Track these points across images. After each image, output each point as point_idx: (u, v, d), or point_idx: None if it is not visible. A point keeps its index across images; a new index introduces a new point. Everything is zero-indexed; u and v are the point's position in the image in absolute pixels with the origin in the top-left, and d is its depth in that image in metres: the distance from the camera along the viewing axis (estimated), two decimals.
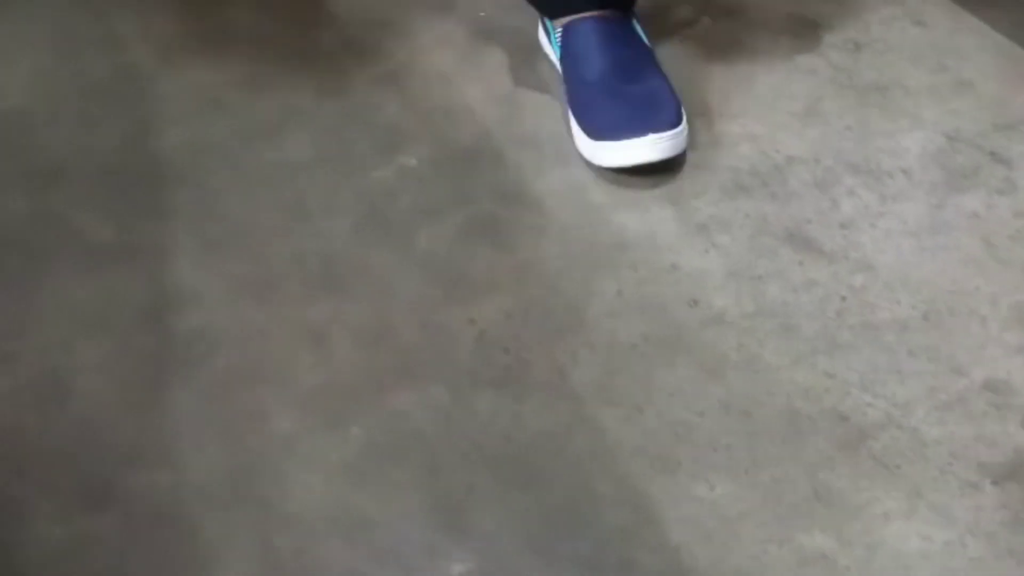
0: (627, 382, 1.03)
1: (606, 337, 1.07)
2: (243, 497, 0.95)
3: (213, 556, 0.92)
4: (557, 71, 1.30)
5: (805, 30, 1.39)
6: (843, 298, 1.10)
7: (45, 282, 1.12)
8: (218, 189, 1.21)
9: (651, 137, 1.18)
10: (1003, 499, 0.94)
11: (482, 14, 1.42)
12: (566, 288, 1.11)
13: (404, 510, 0.94)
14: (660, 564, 0.91)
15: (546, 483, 0.96)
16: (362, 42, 1.38)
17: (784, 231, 1.16)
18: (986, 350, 1.05)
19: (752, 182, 1.21)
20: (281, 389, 1.03)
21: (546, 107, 1.29)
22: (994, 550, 0.91)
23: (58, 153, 1.26)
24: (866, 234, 1.15)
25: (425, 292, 1.11)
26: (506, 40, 1.37)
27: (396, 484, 0.96)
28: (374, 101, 1.31)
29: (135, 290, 1.11)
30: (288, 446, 0.99)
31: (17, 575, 0.91)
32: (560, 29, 1.28)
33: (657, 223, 1.17)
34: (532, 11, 1.32)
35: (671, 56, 1.33)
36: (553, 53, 1.32)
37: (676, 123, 1.20)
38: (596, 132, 1.21)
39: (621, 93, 1.22)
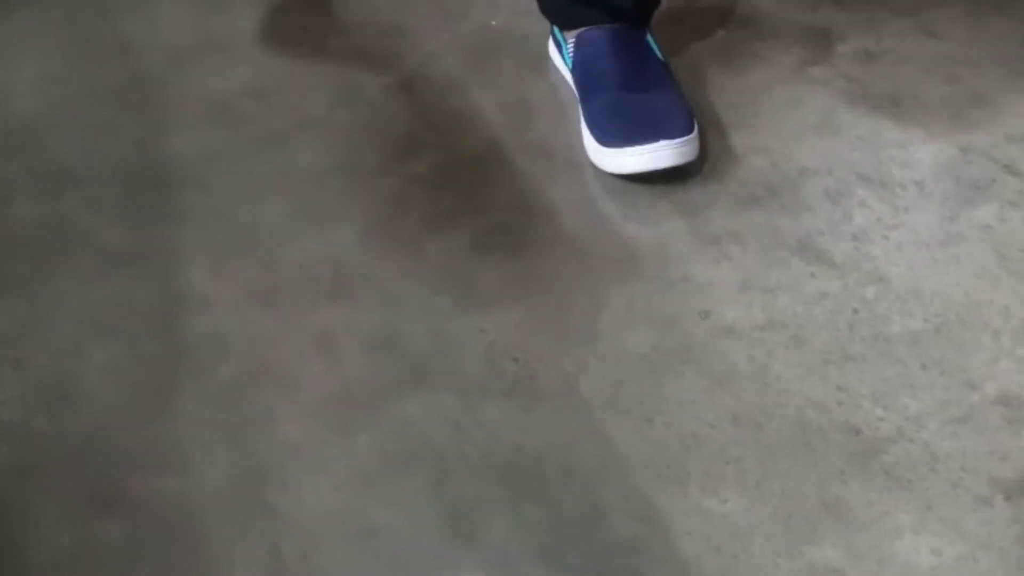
0: (637, 393, 1.03)
1: (616, 348, 1.06)
2: (251, 503, 0.95)
3: (221, 562, 0.91)
4: (567, 81, 1.30)
5: (818, 42, 1.39)
6: (855, 310, 1.09)
7: (55, 286, 1.12)
8: (228, 195, 1.21)
9: (662, 143, 1.18)
10: (1015, 514, 0.94)
11: (493, 23, 1.42)
12: (576, 298, 1.11)
13: (412, 519, 0.94)
14: None
15: (555, 493, 0.96)
16: (373, 49, 1.39)
17: (796, 243, 1.15)
18: (999, 364, 1.04)
19: (764, 194, 1.20)
20: (290, 396, 1.03)
21: (557, 116, 1.29)
22: (1005, 565, 0.90)
23: (68, 158, 1.26)
24: (878, 246, 1.15)
25: (434, 301, 1.10)
26: (517, 49, 1.37)
27: (404, 493, 0.96)
28: (385, 109, 1.31)
29: (145, 295, 1.11)
30: (296, 453, 0.98)
31: None
32: (573, 40, 1.28)
33: (668, 234, 1.16)
34: (544, 20, 1.32)
35: (684, 68, 1.32)
36: (563, 65, 1.32)
37: (688, 130, 1.20)
38: (607, 139, 1.21)
39: (634, 102, 1.22)
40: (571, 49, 1.29)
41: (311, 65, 1.37)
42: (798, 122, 1.28)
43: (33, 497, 0.96)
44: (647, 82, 1.24)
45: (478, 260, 1.14)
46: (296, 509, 0.95)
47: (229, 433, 1.00)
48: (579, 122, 1.25)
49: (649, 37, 1.29)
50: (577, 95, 1.27)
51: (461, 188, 1.22)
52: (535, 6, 1.31)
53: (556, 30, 1.33)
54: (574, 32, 1.29)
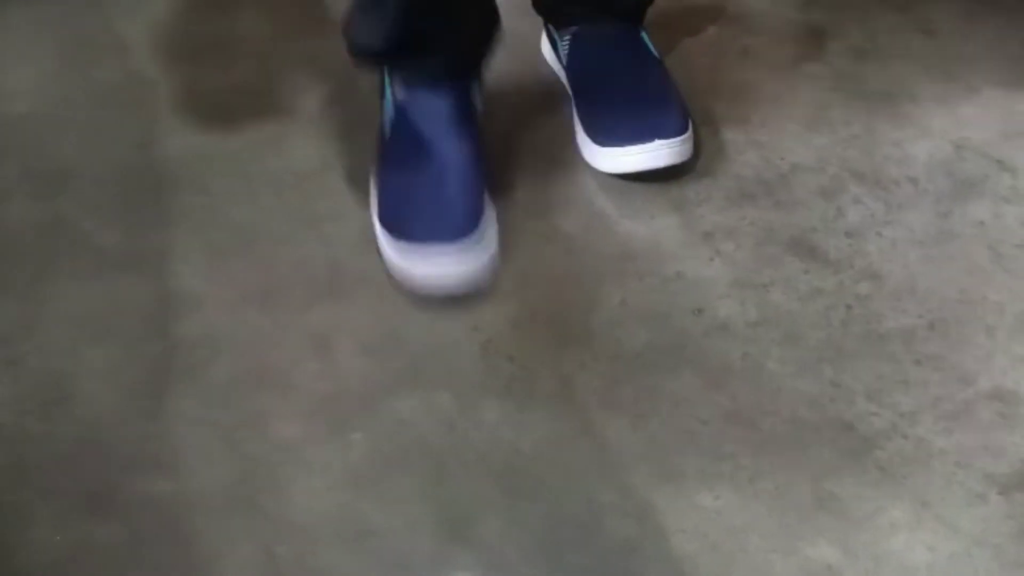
0: (631, 391, 1.03)
1: (611, 346, 1.06)
2: (245, 504, 0.95)
3: (215, 563, 0.91)
4: (561, 79, 1.30)
5: (812, 38, 1.39)
6: (849, 307, 1.09)
7: (50, 287, 1.12)
8: (223, 195, 1.21)
9: (657, 143, 1.18)
10: (1010, 510, 0.94)
11: None
12: (571, 297, 1.11)
13: (408, 519, 0.94)
14: (665, 574, 0.90)
15: (551, 492, 0.96)
16: None
17: (789, 239, 1.15)
18: (993, 359, 1.04)
19: (757, 190, 1.20)
20: (285, 396, 1.03)
21: (551, 113, 1.29)
22: (1000, 561, 0.91)
23: (64, 159, 1.26)
24: (872, 243, 1.15)
25: (430, 300, 1.10)
26: (509, 46, 1.37)
27: (400, 492, 0.96)
28: (379, 107, 1.31)
29: (140, 296, 1.11)
30: (291, 453, 0.99)
31: None
32: (568, 37, 1.28)
33: (662, 231, 1.16)
34: (536, 17, 1.32)
35: (678, 64, 1.32)
36: (557, 62, 1.32)
37: (682, 130, 1.20)
38: (602, 138, 1.21)
39: (628, 100, 1.22)
40: (565, 47, 1.29)
41: (306, 64, 1.37)
42: (792, 118, 1.28)
43: (26, 498, 0.96)
44: (642, 80, 1.24)
45: None
46: (291, 510, 0.95)
47: (223, 434, 1.00)
48: (573, 120, 1.25)
49: (644, 35, 1.29)
50: (571, 93, 1.27)
51: None
52: (528, 3, 1.30)
53: (551, 27, 1.32)
54: (568, 30, 1.29)
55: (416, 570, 0.91)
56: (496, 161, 1.23)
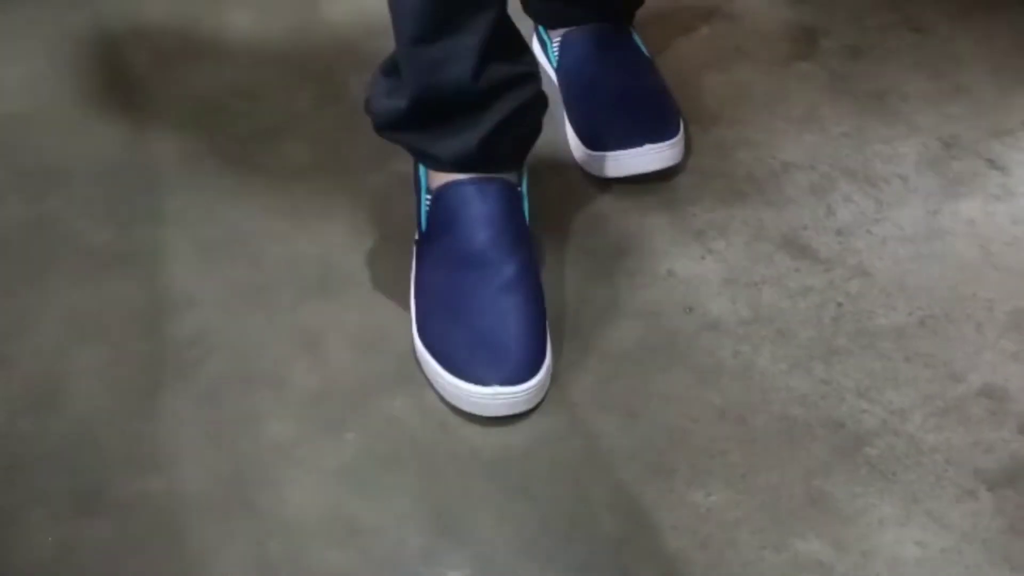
0: (622, 388, 1.03)
1: (601, 343, 1.06)
2: (237, 503, 0.95)
3: (207, 562, 0.91)
4: (552, 80, 1.30)
5: (803, 36, 1.39)
6: (839, 304, 1.09)
7: (41, 286, 1.12)
8: (214, 194, 1.21)
9: (647, 148, 1.18)
10: (999, 506, 0.94)
11: None
12: (561, 294, 1.11)
13: (399, 516, 0.94)
14: (656, 571, 0.91)
15: (541, 489, 0.96)
16: (359, 48, 1.38)
17: (780, 237, 1.16)
18: (983, 356, 1.05)
19: (748, 188, 1.21)
20: (276, 394, 1.03)
21: None
22: (990, 557, 0.91)
23: (55, 158, 1.26)
24: (862, 240, 1.15)
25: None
26: None
27: (391, 490, 0.96)
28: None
29: (131, 295, 1.11)
30: (283, 452, 0.99)
31: None
32: (558, 39, 1.28)
33: (653, 229, 1.17)
34: (526, 19, 1.32)
35: (669, 62, 1.33)
36: (548, 64, 1.32)
37: (673, 133, 1.20)
38: (593, 142, 1.20)
39: (619, 102, 1.22)
40: (556, 48, 1.29)
41: (297, 64, 1.37)
42: (783, 117, 1.28)
43: (18, 498, 0.96)
44: (633, 82, 1.24)
45: None
46: (282, 508, 0.95)
47: (215, 432, 1.00)
48: (564, 122, 1.25)
49: (634, 34, 1.29)
50: (561, 94, 1.27)
51: None
52: (519, 5, 1.31)
53: (541, 29, 1.33)
54: (559, 31, 1.29)
55: (408, 567, 0.91)
56: None
